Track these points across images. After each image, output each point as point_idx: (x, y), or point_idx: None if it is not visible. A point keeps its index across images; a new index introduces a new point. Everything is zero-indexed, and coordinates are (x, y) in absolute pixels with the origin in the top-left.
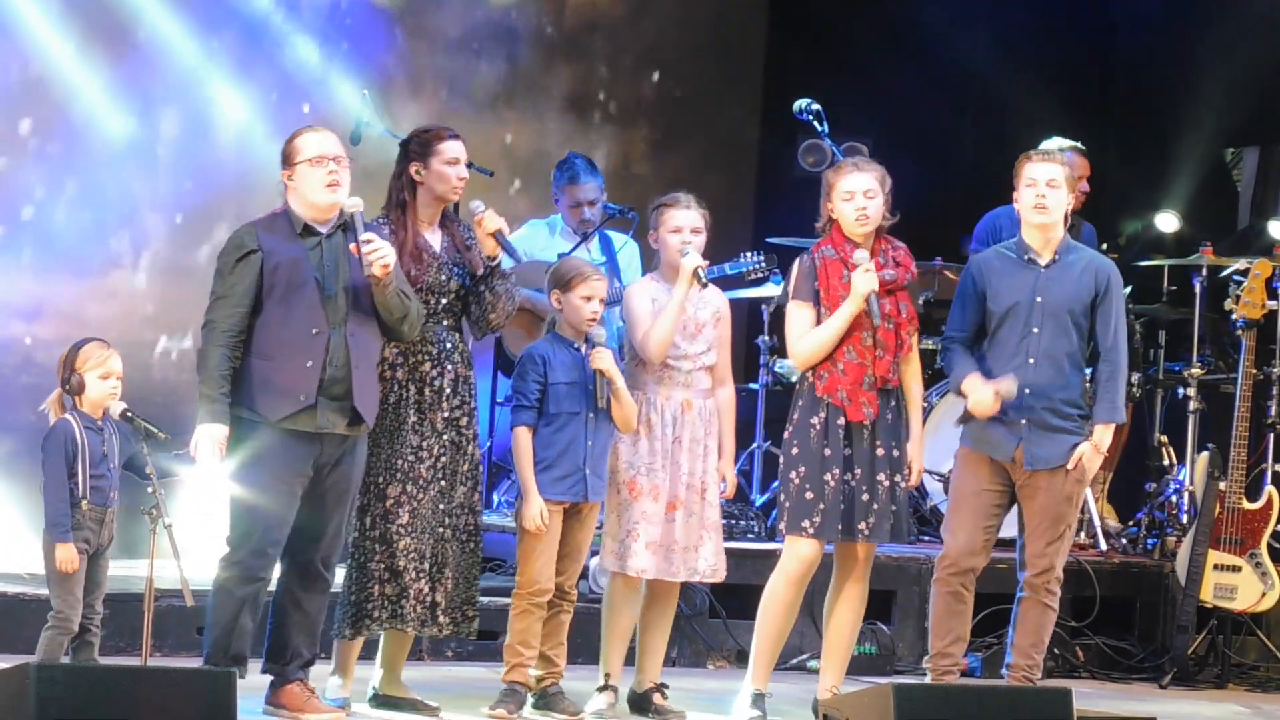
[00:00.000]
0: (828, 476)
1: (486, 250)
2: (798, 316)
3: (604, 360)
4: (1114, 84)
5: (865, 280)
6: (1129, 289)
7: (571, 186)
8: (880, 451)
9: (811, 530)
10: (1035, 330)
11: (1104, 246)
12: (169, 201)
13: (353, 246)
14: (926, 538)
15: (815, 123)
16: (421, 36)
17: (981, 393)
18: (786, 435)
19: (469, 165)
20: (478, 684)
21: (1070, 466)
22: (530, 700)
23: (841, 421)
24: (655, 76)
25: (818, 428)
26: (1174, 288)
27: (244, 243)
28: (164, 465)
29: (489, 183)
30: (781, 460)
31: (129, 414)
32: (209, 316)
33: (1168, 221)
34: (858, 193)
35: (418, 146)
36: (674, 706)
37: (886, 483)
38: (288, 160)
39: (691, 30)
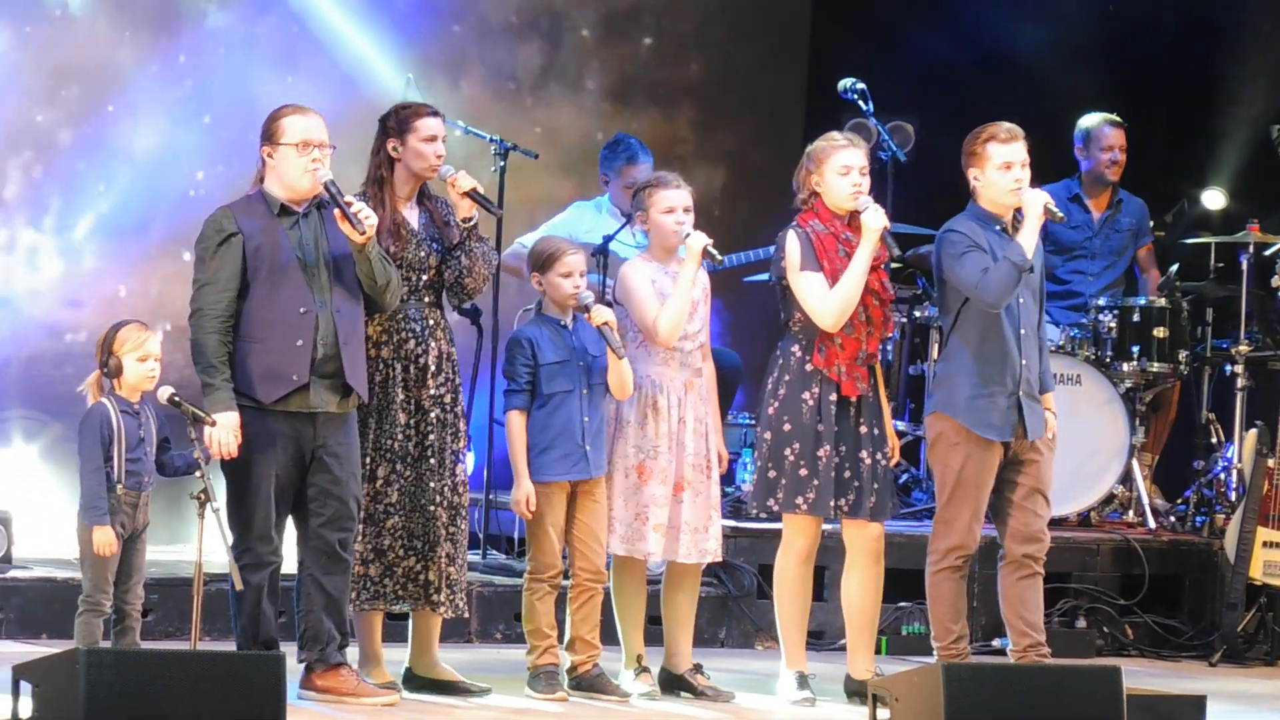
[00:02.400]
0: (820, 453)
1: (461, 213)
2: (813, 282)
3: (605, 313)
4: (1161, 60)
5: (877, 216)
6: (1176, 266)
7: (630, 166)
8: (864, 429)
9: (805, 506)
10: (1022, 302)
11: (1150, 223)
12: (215, 189)
13: (337, 212)
14: None
15: (860, 102)
16: (465, 20)
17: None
18: (772, 410)
19: (514, 148)
20: (525, 665)
21: (1050, 436)
22: (572, 684)
23: (834, 397)
24: (699, 57)
25: (810, 403)
26: (1221, 265)
27: (223, 226)
28: (191, 460)
29: (533, 165)
30: (769, 435)
31: (176, 398)
32: (197, 304)
33: (1214, 198)
34: (854, 168)
35: (395, 123)
36: (721, 687)
37: (869, 460)
38: (270, 138)
39: (736, 10)
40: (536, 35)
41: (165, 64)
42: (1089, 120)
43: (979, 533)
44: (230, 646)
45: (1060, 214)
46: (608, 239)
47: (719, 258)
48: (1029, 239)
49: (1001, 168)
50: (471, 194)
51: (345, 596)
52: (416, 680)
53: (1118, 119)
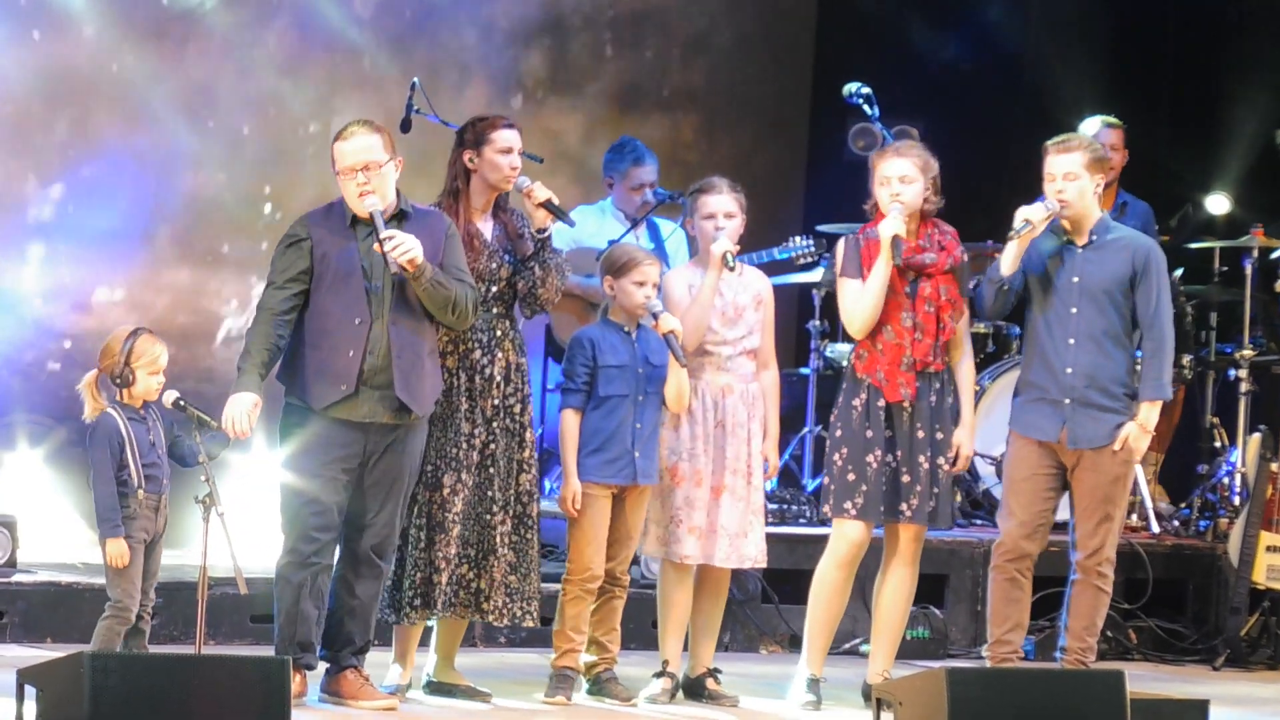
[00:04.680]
0: (869, 458)
1: (536, 223)
2: (849, 288)
3: (672, 322)
4: (1165, 65)
5: (888, 224)
6: (1180, 271)
7: (636, 168)
8: (921, 434)
9: (854, 511)
10: (1074, 310)
11: (1156, 228)
12: (219, 193)
13: (376, 246)
14: (979, 521)
15: (865, 106)
16: (472, 24)
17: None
18: (832, 418)
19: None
20: (531, 670)
21: (1117, 447)
22: (584, 685)
23: (882, 403)
24: (704, 62)
25: (859, 409)
26: (1225, 269)
27: (295, 232)
28: (209, 447)
29: (539, 169)
30: (828, 442)
31: (182, 403)
32: (259, 302)
33: (1218, 203)
34: (893, 178)
35: (472, 135)
36: (727, 691)
37: (926, 465)
38: (333, 164)
39: (741, 15)
40: (542, 40)
41: (171, 68)
42: (1085, 125)
43: (1026, 532)
44: (234, 650)
45: (1038, 218)
46: (612, 244)
47: (730, 264)
48: (1006, 256)
49: (1047, 179)
50: (547, 205)
51: (374, 604)
52: (432, 685)
53: (1113, 120)
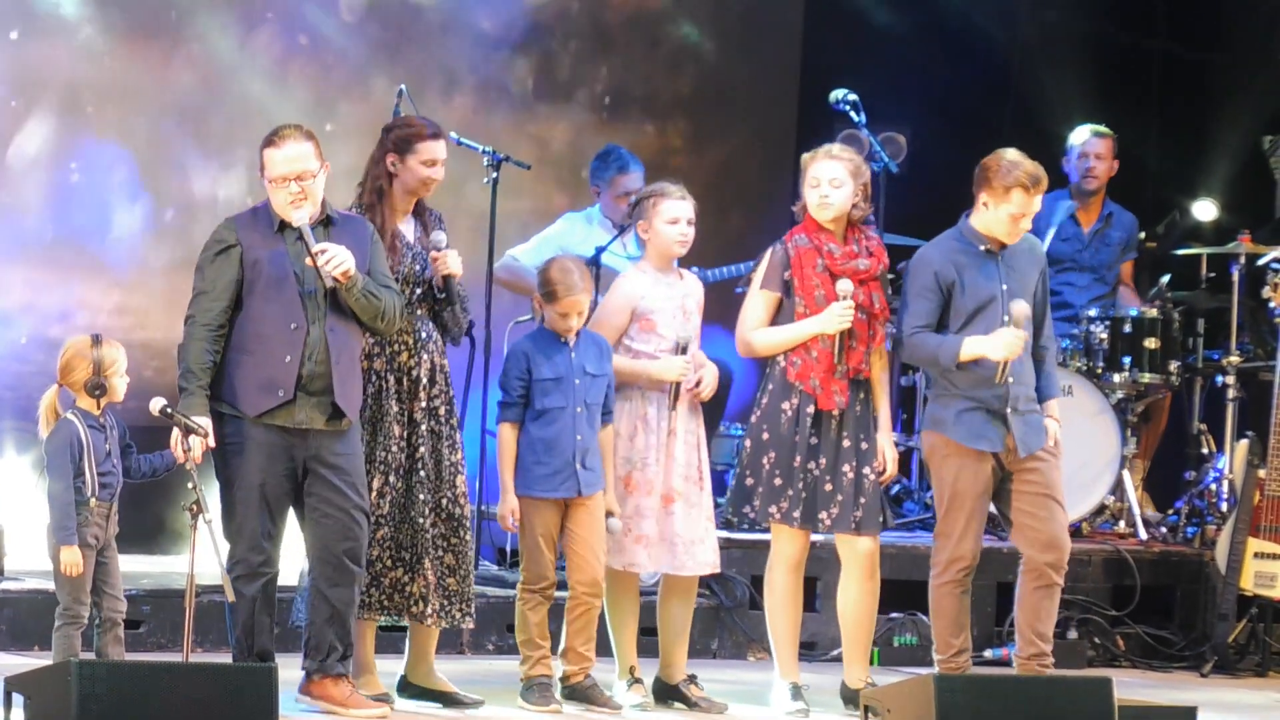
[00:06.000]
0: (796, 463)
1: (439, 270)
2: (756, 303)
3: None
4: (1152, 71)
5: (838, 319)
6: (1168, 277)
7: (622, 176)
8: (847, 443)
9: (779, 515)
10: (1006, 319)
11: (1142, 235)
12: (206, 201)
13: (308, 260)
14: None
15: (852, 113)
16: (459, 31)
17: (1003, 334)
18: (755, 419)
19: (506, 159)
20: (517, 676)
21: (1052, 444)
22: (564, 694)
23: (811, 409)
24: (691, 69)
25: (789, 414)
26: (1212, 275)
27: (223, 237)
28: (159, 463)
29: (525, 176)
30: (749, 443)
31: (168, 410)
32: (190, 311)
33: (1205, 209)
34: (823, 180)
35: (396, 140)
36: (716, 699)
37: (851, 474)
38: (260, 169)
39: (728, 22)
40: (529, 47)
41: (157, 74)
42: (1074, 133)
43: (978, 545)
44: (223, 658)
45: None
46: (599, 250)
47: (672, 405)
48: (978, 346)
49: (1010, 219)
50: (445, 280)
51: (351, 609)
52: (411, 689)
53: (1103, 129)
